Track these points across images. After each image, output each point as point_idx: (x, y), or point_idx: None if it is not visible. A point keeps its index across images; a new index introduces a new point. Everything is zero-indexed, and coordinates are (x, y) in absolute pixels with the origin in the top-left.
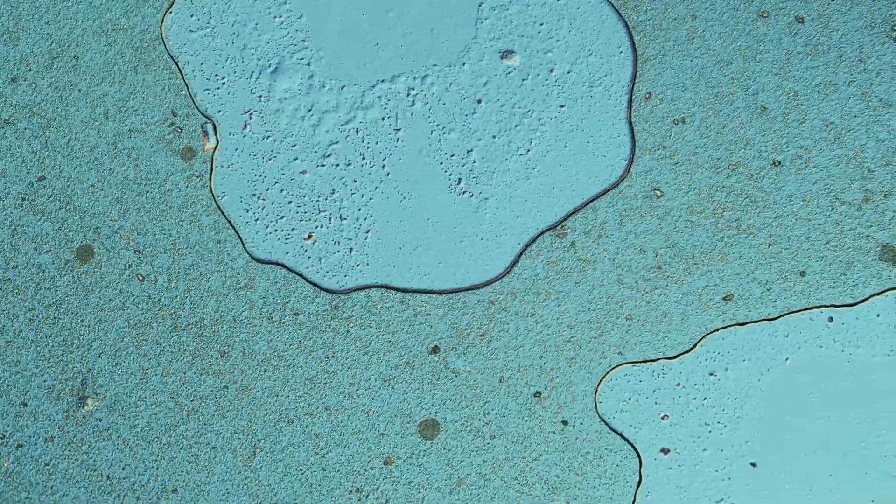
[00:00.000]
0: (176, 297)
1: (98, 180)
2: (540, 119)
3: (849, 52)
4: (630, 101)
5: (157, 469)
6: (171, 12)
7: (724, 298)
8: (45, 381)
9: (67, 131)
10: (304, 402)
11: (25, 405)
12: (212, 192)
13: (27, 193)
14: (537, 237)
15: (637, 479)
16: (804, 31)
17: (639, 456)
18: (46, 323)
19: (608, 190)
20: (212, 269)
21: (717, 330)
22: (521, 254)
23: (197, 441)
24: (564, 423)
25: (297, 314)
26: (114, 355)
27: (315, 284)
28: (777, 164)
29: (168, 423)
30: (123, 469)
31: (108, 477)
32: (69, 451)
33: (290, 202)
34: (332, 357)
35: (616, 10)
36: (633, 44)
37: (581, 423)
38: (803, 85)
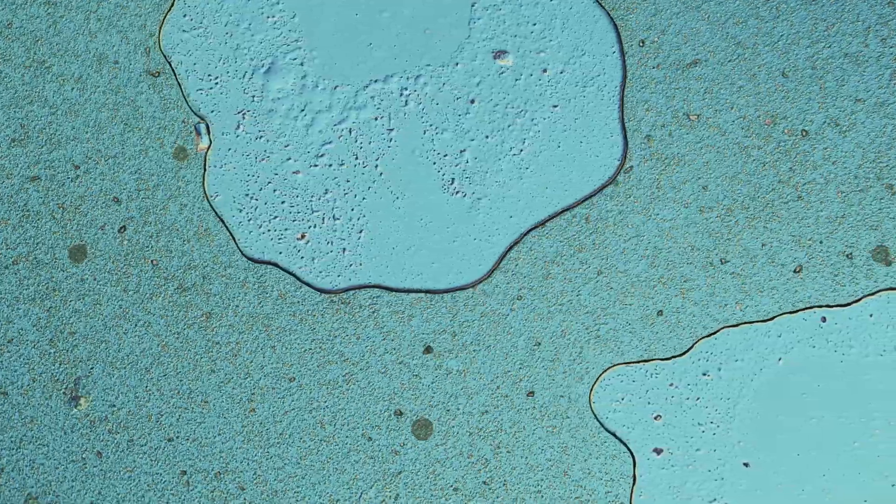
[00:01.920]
0: (151, 235)
1: (80, 99)
2: (533, 119)
3: (875, 25)
4: (622, 101)
5: (147, 401)
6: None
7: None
8: (27, 311)
9: (58, 49)
10: (310, 358)
11: (11, 341)
12: (205, 191)
13: (17, 135)
14: (525, 234)
15: (631, 479)
16: (823, 5)
17: (633, 456)
18: (28, 261)
19: (601, 189)
20: (169, 196)
21: (711, 334)
22: (506, 252)
23: (189, 387)
24: (558, 422)
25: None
26: (92, 295)
27: (308, 284)
28: (805, 133)
29: (154, 360)
30: (116, 399)
31: (95, 417)
32: (50, 384)
33: (283, 202)
34: (338, 337)
35: (606, 10)
36: (620, 41)
37: (575, 423)
38: (835, 50)
